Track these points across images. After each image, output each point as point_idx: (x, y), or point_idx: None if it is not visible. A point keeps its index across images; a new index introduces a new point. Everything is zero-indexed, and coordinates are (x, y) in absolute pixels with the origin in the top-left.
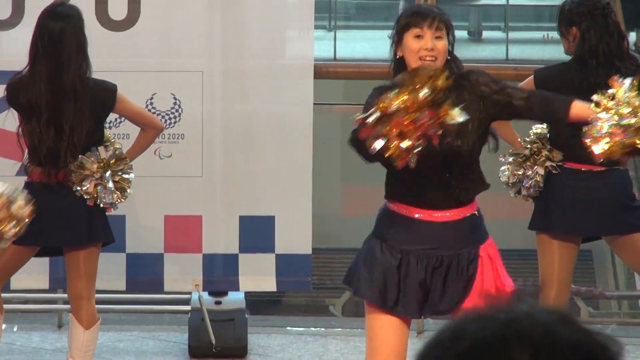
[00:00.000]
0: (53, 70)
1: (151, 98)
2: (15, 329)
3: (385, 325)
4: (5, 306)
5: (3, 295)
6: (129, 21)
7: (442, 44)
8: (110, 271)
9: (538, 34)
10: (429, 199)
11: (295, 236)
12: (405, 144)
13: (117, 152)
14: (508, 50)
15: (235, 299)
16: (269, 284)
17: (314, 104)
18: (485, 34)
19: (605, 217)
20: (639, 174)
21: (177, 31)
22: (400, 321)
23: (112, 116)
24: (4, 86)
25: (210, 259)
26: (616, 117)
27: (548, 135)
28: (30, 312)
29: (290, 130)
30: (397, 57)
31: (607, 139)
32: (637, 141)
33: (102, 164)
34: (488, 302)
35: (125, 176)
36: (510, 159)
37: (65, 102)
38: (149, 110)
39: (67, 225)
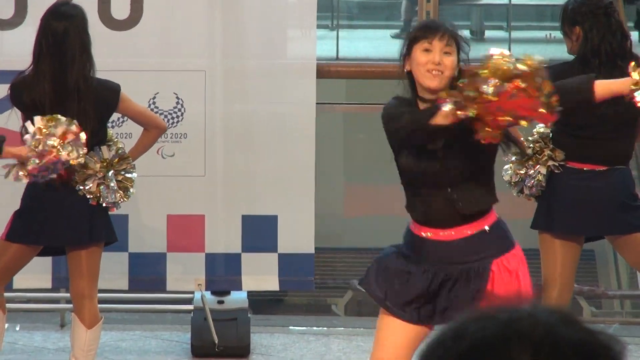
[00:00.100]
0: (57, 69)
1: (154, 97)
2: (17, 328)
3: (386, 326)
4: (8, 305)
5: (6, 294)
6: (131, 20)
7: (450, 60)
8: (112, 270)
9: (540, 34)
10: (434, 215)
11: (297, 236)
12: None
13: (120, 151)
14: (510, 49)
15: (237, 298)
16: (271, 284)
17: (317, 103)
18: (488, 33)
19: (606, 217)
20: None
21: (178, 30)
22: (406, 325)
23: (114, 115)
24: (7, 86)
25: (213, 259)
26: None
27: (551, 134)
28: (32, 311)
29: (293, 129)
30: (406, 71)
31: None
32: None
33: (105, 164)
34: (491, 304)
35: (128, 175)
36: (513, 158)
37: (69, 101)
38: (152, 110)
39: (69, 225)
